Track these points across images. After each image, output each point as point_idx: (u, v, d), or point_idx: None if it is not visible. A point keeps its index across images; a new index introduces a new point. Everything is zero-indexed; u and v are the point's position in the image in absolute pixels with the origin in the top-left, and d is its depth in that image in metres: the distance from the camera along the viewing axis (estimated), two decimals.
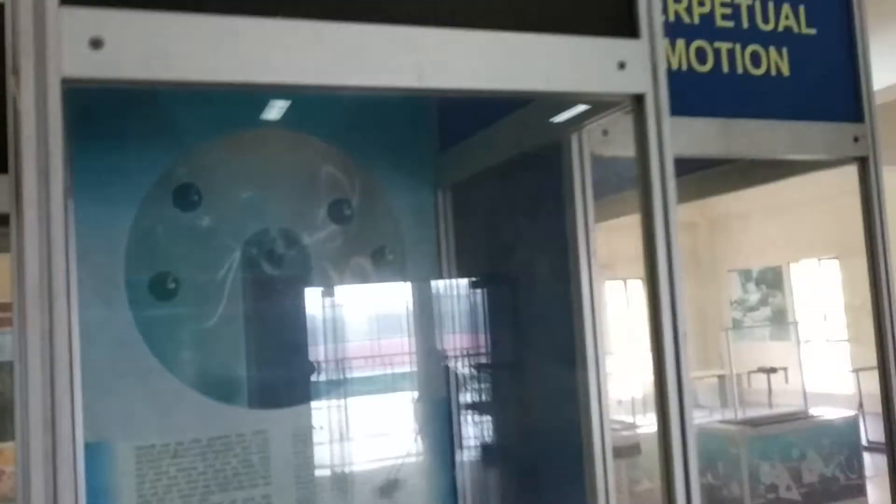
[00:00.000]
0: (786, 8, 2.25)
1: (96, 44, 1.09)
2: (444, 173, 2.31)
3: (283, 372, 2.14)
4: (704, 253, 15.24)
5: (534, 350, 2.17)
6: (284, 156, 2.16)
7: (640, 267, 1.49)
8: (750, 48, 2.19)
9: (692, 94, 2.11)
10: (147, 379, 1.97)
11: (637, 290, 14.41)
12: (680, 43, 2.11)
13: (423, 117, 2.32)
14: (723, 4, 2.17)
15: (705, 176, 2.42)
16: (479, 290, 2.34)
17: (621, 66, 1.42)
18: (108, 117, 1.92)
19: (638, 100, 1.44)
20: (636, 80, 1.43)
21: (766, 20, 2.22)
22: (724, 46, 2.16)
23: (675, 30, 2.11)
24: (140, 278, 1.98)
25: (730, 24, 2.18)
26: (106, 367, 1.94)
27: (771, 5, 2.23)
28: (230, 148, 2.09)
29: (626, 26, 1.44)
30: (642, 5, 1.45)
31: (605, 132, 1.90)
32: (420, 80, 1.27)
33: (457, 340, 2.35)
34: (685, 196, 2.88)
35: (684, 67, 2.11)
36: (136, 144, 1.99)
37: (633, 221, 1.51)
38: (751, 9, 2.20)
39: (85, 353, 1.87)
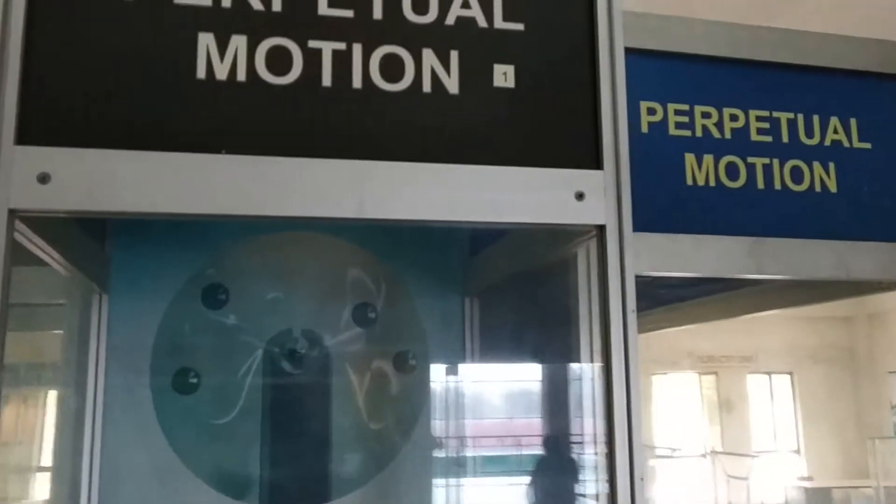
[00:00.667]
0: (834, 121, 2.14)
1: (43, 179, 1.19)
2: (472, 281, 2.32)
3: (297, 472, 2.17)
4: (862, 351, 14.11)
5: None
6: (311, 257, 2.24)
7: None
8: (790, 163, 2.09)
9: (720, 211, 2.03)
10: (162, 471, 2.05)
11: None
12: (708, 158, 2.05)
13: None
14: (759, 119, 2.09)
15: (738, 295, 2.29)
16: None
17: (580, 196, 1.40)
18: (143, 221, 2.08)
19: (600, 229, 1.41)
20: (595, 210, 1.40)
21: (809, 135, 2.11)
22: (759, 161, 2.07)
23: (701, 145, 2.05)
24: (164, 372, 2.09)
25: (767, 138, 2.09)
26: (123, 456, 2.04)
27: (816, 119, 2.12)
28: (259, 249, 2.20)
29: (589, 157, 1.42)
30: (607, 135, 1.43)
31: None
32: (359, 212, 1.31)
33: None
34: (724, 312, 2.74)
35: (712, 183, 2.04)
36: (170, 246, 2.13)
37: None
38: (792, 123, 2.11)
39: (106, 441, 1.99)
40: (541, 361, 2.34)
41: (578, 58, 1.46)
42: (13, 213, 1.19)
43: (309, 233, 2.25)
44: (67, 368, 2.06)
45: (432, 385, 2.28)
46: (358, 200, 1.30)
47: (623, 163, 1.42)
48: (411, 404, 2.25)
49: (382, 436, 2.23)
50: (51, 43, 1.25)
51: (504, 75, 1.42)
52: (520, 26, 1.45)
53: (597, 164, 1.42)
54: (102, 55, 1.27)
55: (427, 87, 1.39)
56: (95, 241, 2.06)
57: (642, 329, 1.96)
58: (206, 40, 1.31)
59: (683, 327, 3.89)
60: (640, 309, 2.11)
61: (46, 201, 1.20)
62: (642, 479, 1.36)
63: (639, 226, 1.44)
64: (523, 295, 2.25)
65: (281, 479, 2.15)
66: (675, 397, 13.47)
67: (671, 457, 12.72)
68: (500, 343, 2.32)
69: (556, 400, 2.31)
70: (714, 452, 13.11)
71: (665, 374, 13.26)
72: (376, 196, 1.31)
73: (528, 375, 2.44)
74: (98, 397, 2.04)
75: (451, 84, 1.40)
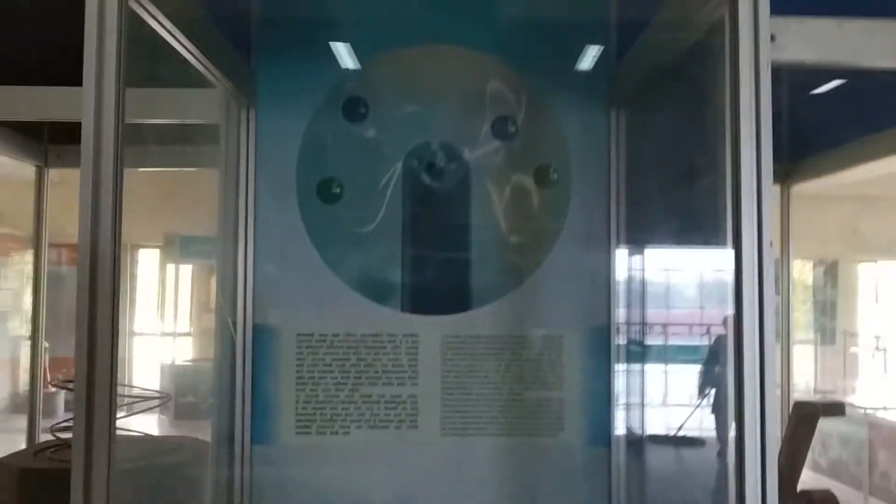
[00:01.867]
0: None
1: None
2: (618, 92, 2.19)
3: (438, 281, 2.21)
4: None
5: None
6: (450, 71, 2.21)
7: None
8: None
9: None
10: (310, 274, 2.16)
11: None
12: None
13: (598, 33, 2.21)
14: None
15: None
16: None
17: None
18: (288, 33, 2.13)
19: None
20: None
21: None
22: None
23: None
24: (309, 183, 2.17)
25: None
26: (277, 259, 2.17)
27: None
28: (398, 63, 2.19)
29: None
30: None
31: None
32: None
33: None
34: None
35: None
36: (312, 60, 2.17)
37: None
38: None
39: (259, 246, 2.12)
40: (692, 177, 2.19)
41: None
42: None
43: (448, 46, 2.21)
44: (226, 177, 2.19)
45: (575, 202, 2.21)
46: None
47: None
48: (552, 219, 2.20)
49: (522, 250, 2.21)
50: None
51: None
52: None
53: None
54: None
55: None
56: (242, 54, 2.14)
57: None
58: None
59: None
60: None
61: None
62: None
63: None
64: (673, 106, 2.10)
65: (422, 286, 2.20)
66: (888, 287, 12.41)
67: (879, 348, 11.85)
68: (647, 158, 2.20)
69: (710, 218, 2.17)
70: None
71: (874, 262, 12.23)
72: None
73: (676, 196, 2.29)
74: (249, 209, 2.16)
75: None
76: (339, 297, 2.17)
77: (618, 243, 2.20)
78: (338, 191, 2.18)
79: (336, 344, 2.17)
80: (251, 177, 2.17)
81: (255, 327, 2.16)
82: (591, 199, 2.21)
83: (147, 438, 2.70)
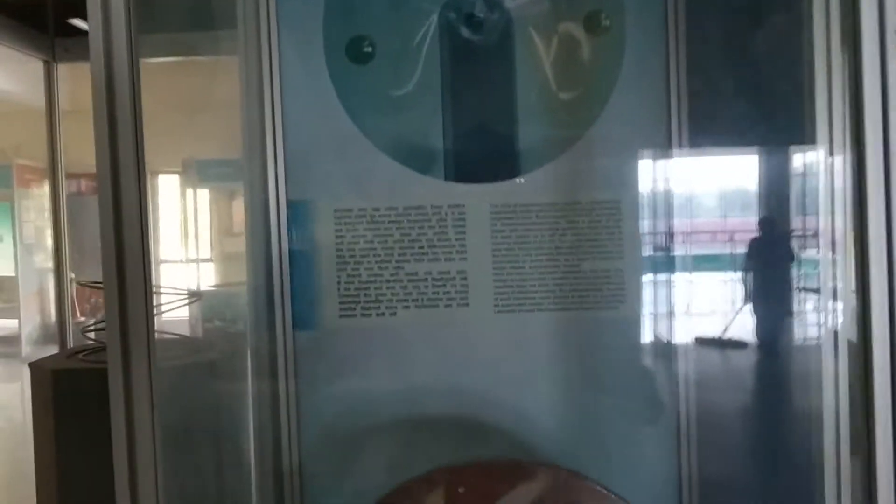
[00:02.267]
0: None
1: None
2: None
3: (483, 145, 2.02)
4: None
5: None
6: None
7: None
8: None
9: None
10: (345, 143, 1.99)
11: None
12: None
13: None
14: None
15: None
16: None
17: None
18: None
19: None
20: None
21: None
22: None
23: None
24: (338, 41, 1.98)
25: None
26: (307, 129, 1.99)
27: None
28: None
29: None
30: None
31: None
32: None
33: None
34: None
35: None
36: None
37: None
38: None
39: (287, 113, 1.94)
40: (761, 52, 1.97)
41: None
42: None
43: None
44: (246, 46, 2.00)
45: (630, 50, 2.00)
46: None
47: None
48: (606, 71, 2.00)
49: (574, 106, 2.01)
50: None
51: None
52: None
53: None
54: None
55: None
56: None
57: None
58: None
59: None
60: None
61: None
62: None
63: None
64: None
65: (465, 152, 2.01)
66: None
67: None
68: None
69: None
70: None
71: None
72: None
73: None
74: (274, 71, 1.98)
75: None
76: (376, 168, 1.99)
77: (678, 99, 1.99)
78: (369, 49, 1.98)
79: (377, 219, 2.00)
80: (274, 38, 1.97)
81: (288, 204, 1.99)
82: (647, 48, 2.00)
83: (179, 338, 2.58)
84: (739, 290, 2.23)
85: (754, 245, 2.13)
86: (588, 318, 2.03)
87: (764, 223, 2.11)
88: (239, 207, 2.13)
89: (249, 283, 2.07)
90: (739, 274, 2.17)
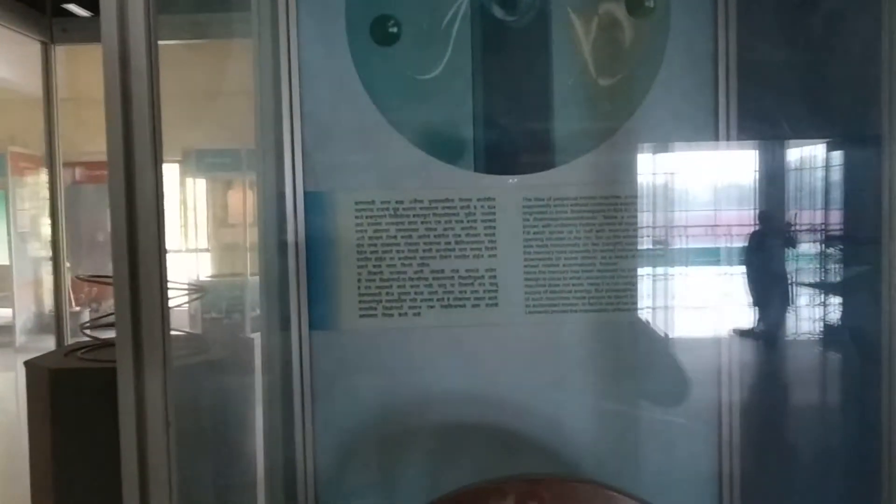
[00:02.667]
0: None
1: None
2: None
3: (516, 134, 1.89)
4: None
5: None
6: None
7: None
8: None
9: None
10: (367, 131, 1.85)
11: None
12: None
13: None
14: None
15: None
16: None
17: None
18: None
19: None
20: None
21: None
22: None
23: None
24: (361, 21, 1.83)
25: None
26: (327, 115, 1.85)
27: None
28: None
29: None
30: None
31: None
32: None
33: None
34: None
35: None
36: None
37: None
38: None
39: (306, 98, 1.80)
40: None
41: None
42: None
43: None
44: (260, 26, 1.86)
45: (674, 34, 1.86)
46: None
47: None
48: (649, 56, 1.86)
49: (614, 94, 1.88)
50: None
51: None
52: None
53: None
54: None
55: None
56: None
57: None
58: None
59: None
60: None
61: None
62: None
63: None
64: None
65: (497, 141, 1.88)
66: None
67: None
68: None
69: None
70: None
71: None
72: None
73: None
74: (292, 53, 1.84)
75: None
76: (401, 157, 1.86)
77: (727, 87, 1.86)
78: (395, 30, 1.84)
79: (401, 212, 1.87)
80: (293, 17, 1.83)
81: (306, 196, 1.86)
82: (694, 32, 1.86)
83: (186, 335, 2.45)
84: (797, 285, 2.09)
85: (812, 240, 2.01)
86: (625, 321, 1.90)
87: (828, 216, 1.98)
88: (251, 199, 1.99)
89: (263, 279, 1.94)
90: (789, 268, 2.03)
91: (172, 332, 2.17)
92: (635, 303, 1.89)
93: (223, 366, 2.25)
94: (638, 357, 1.91)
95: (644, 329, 1.91)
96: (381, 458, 1.89)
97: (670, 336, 1.94)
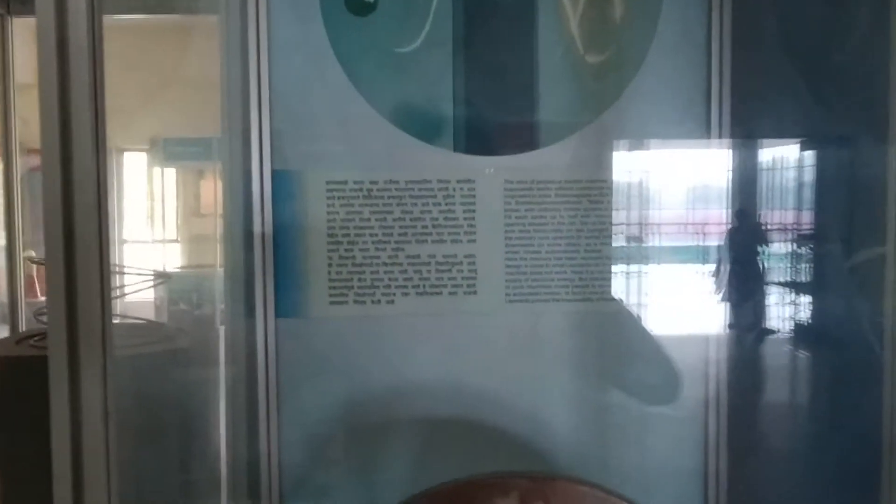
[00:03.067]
0: None
1: None
2: None
3: (498, 113, 1.79)
4: None
5: None
6: None
7: None
8: None
9: None
10: (340, 106, 1.74)
11: None
12: None
13: None
14: None
15: None
16: None
17: None
18: None
19: None
20: None
21: None
22: None
23: None
24: None
25: None
26: (298, 89, 1.74)
27: None
28: None
29: None
30: None
31: None
32: None
33: None
34: None
35: None
36: None
37: None
38: None
39: (275, 72, 1.69)
40: None
41: None
42: None
43: None
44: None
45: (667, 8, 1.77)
46: None
47: None
48: (639, 32, 1.77)
49: (602, 71, 1.78)
50: None
51: None
52: None
53: None
54: None
55: None
56: None
57: None
58: None
59: None
60: None
61: None
62: None
63: None
64: None
65: (478, 120, 1.77)
66: None
67: None
68: None
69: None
70: None
71: None
72: None
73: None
74: (261, 21, 1.72)
75: None
76: (376, 135, 1.75)
77: (720, 64, 1.77)
78: (371, 0, 1.73)
79: (375, 193, 1.76)
80: None
81: (274, 175, 1.74)
82: (687, 6, 1.77)
83: (144, 323, 2.32)
84: (783, 280, 2.02)
85: (797, 237, 1.93)
86: (610, 311, 1.80)
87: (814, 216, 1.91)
88: (214, 184, 1.87)
89: (227, 263, 1.82)
90: (780, 263, 1.96)
91: (130, 321, 2.03)
92: (621, 293, 1.80)
93: (188, 356, 2.13)
94: (623, 350, 1.82)
95: (630, 321, 1.82)
96: (349, 454, 1.78)
97: (656, 329, 1.85)
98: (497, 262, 1.78)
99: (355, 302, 1.77)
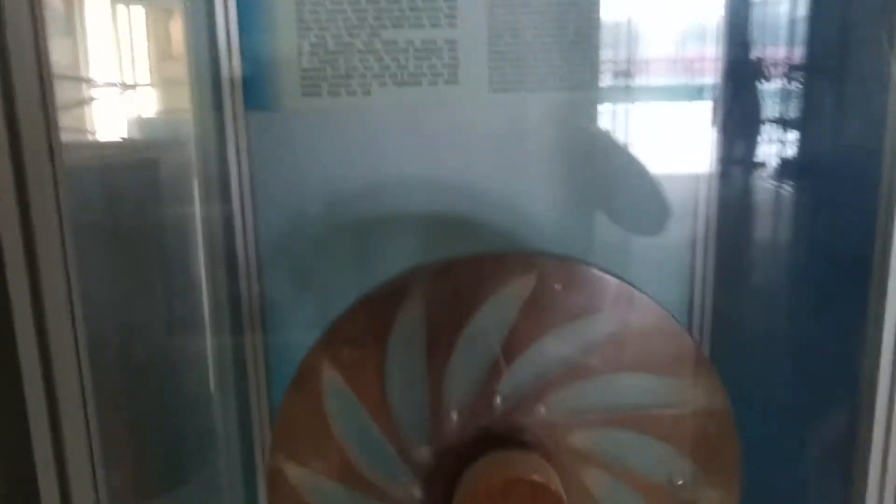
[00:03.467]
0: None
1: None
2: None
3: None
4: None
5: None
6: None
7: None
8: None
9: None
10: None
11: None
12: None
13: None
14: None
15: None
16: None
17: None
18: None
19: None
20: None
21: None
22: None
23: None
24: None
25: None
26: None
27: None
28: None
29: None
30: None
31: None
32: None
33: None
34: None
35: None
36: None
37: None
38: None
39: None
40: None
41: None
42: None
43: None
44: None
45: None
46: None
47: None
48: None
49: None
50: None
51: None
52: None
53: None
54: None
55: None
56: None
57: None
58: None
59: None
60: None
61: None
62: None
63: None
64: None
65: None
66: None
67: None
68: None
69: None
70: None
71: None
72: None
73: None
74: None
75: None
76: None
77: None
78: None
79: None
80: None
81: None
82: None
83: (120, 140, 2.20)
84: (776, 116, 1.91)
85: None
86: (602, 98, 1.71)
87: None
88: None
89: (190, 52, 1.69)
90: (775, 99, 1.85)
91: (107, 139, 1.92)
92: (611, 80, 1.70)
93: (157, 163, 2.03)
94: (612, 144, 1.74)
95: (621, 112, 1.73)
96: (327, 247, 1.73)
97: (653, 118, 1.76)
98: (480, 49, 1.67)
99: (329, 94, 1.67)
